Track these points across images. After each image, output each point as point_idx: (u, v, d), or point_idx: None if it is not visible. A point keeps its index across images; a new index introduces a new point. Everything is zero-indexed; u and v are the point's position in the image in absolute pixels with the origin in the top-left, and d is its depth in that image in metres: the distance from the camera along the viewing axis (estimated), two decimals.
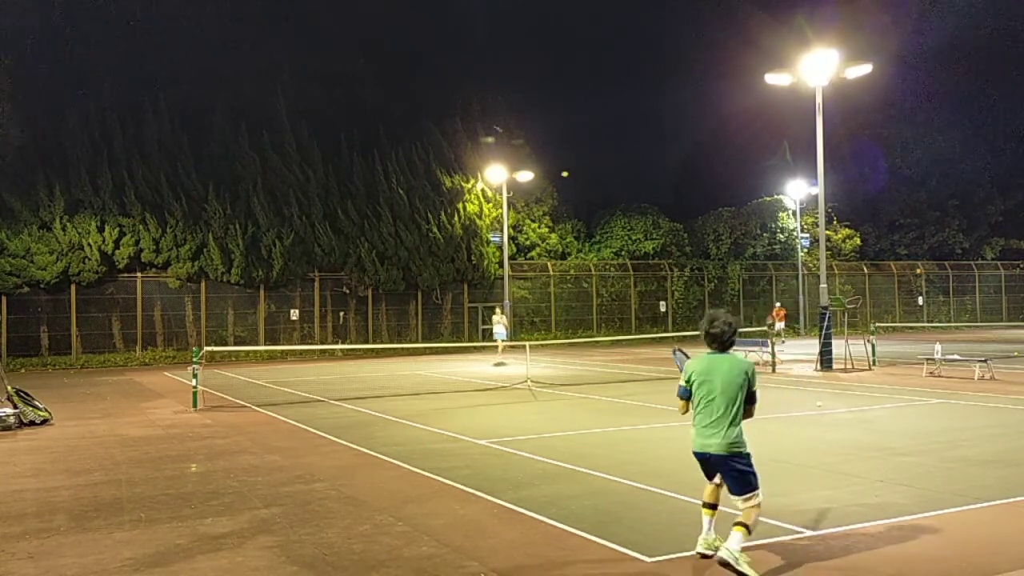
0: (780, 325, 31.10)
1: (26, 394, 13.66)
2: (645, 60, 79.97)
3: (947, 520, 6.55)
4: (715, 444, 5.62)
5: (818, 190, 22.68)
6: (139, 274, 29.59)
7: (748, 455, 5.66)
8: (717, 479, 5.87)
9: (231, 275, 30.24)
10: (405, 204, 33.66)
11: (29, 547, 6.38)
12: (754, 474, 5.65)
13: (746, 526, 5.54)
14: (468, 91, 39.05)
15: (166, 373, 24.21)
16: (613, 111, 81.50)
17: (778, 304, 35.95)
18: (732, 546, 5.46)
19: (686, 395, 5.85)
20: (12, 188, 27.92)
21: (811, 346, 26.25)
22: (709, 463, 5.77)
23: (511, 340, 28.12)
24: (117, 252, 28.84)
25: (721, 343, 5.78)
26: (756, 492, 5.63)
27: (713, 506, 5.89)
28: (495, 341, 26.16)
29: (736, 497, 5.64)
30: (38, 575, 5.73)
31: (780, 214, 41.82)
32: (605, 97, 78.11)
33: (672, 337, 35.22)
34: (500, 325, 27.00)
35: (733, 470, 5.60)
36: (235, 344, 29.89)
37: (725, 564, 5.47)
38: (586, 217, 41.67)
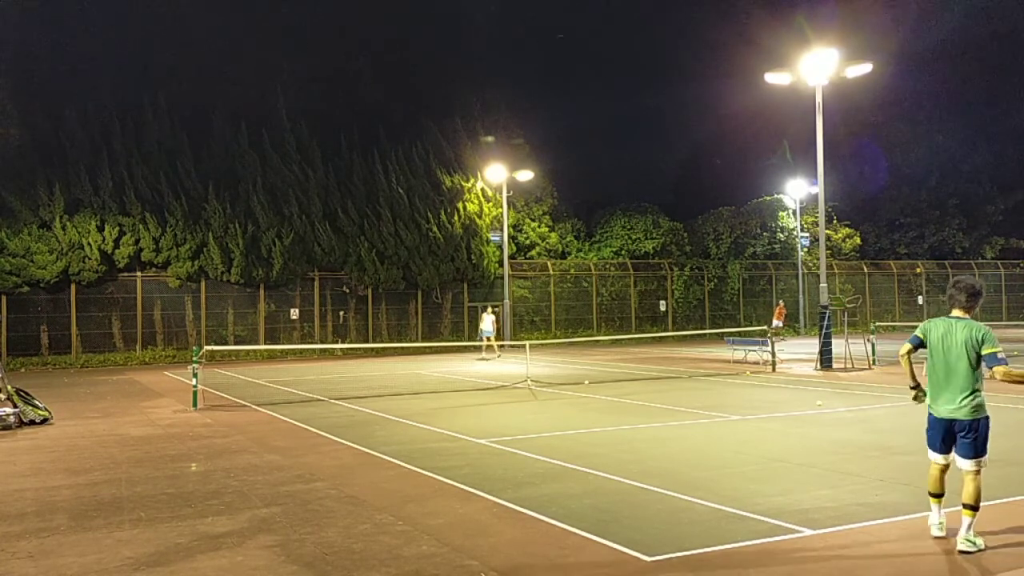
0: (777, 323, 31.08)
1: (26, 393, 13.67)
2: (645, 60, 79.88)
3: (947, 519, 6.55)
4: (957, 410, 5.94)
5: (818, 189, 22.68)
6: (139, 273, 29.60)
7: (988, 419, 5.98)
8: (945, 459, 6.10)
9: (231, 274, 30.24)
10: (405, 203, 33.67)
11: (29, 546, 6.39)
12: (986, 440, 5.96)
13: (973, 507, 5.83)
14: (468, 91, 39.06)
15: (166, 372, 24.21)
16: (613, 111, 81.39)
17: (780, 303, 35.74)
18: (967, 535, 5.79)
19: (917, 343, 6.25)
20: (12, 187, 27.92)
21: (811, 345, 26.25)
22: (949, 430, 6.01)
23: (500, 339, 30.20)
24: (117, 251, 28.84)
25: (957, 306, 6.13)
26: (985, 458, 5.95)
27: (941, 495, 6.13)
28: (484, 340, 28.33)
29: (968, 461, 5.92)
30: (38, 574, 5.73)
31: (780, 213, 41.81)
32: (605, 97, 78.02)
33: (672, 336, 35.27)
34: (489, 323, 28.72)
35: (973, 435, 5.89)
36: (235, 343, 29.89)
37: (966, 553, 5.73)
38: (586, 216, 41.66)
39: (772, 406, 13.78)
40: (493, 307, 30.67)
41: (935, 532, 6.12)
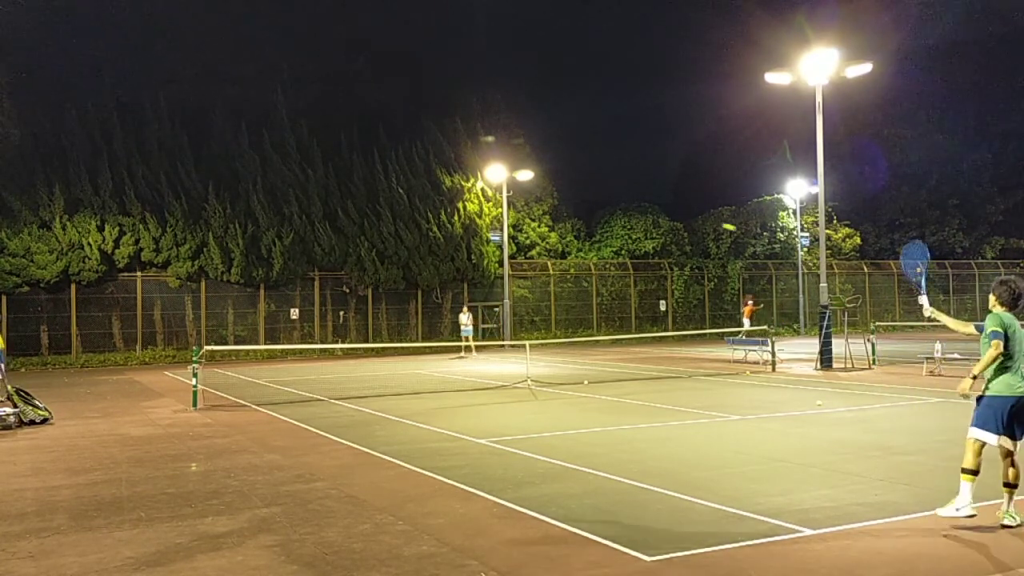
0: (746, 323, 30.87)
1: (26, 393, 13.67)
2: (645, 60, 79.93)
3: (947, 519, 6.55)
4: None
5: (818, 189, 22.68)
6: (139, 273, 29.60)
7: None
8: (1000, 440, 6.37)
9: (231, 274, 30.24)
10: (405, 203, 33.67)
11: (29, 546, 6.39)
12: None
13: (1014, 486, 6.40)
14: (468, 91, 39.08)
15: (166, 372, 24.21)
16: (613, 110, 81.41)
17: (749, 299, 33.78)
18: (1010, 510, 6.36)
19: (1000, 338, 6.49)
20: (12, 187, 27.93)
21: (811, 345, 26.25)
22: (1015, 409, 6.38)
23: (499, 339, 31.49)
24: (117, 251, 28.85)
25: (1000, 302, 6.65)
26: None
27: (977, 472, 6.42)
28: (466, 339, 28.98)
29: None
30: (38, 574, 5.73)
31: (780, 213, 41.81)
32: (605, 96, 78.06)
33: (672, 336, 35.26)
34: (467, 323, 29.62)
35: None
36: (235, 343, 29.90)
37: (1009, 527, 6.29)
38: (586, 216, 41.66)
39: (772, 406, 13.79)
40: (470, 306, 31.55)
41: (966, 512, 6.35)
